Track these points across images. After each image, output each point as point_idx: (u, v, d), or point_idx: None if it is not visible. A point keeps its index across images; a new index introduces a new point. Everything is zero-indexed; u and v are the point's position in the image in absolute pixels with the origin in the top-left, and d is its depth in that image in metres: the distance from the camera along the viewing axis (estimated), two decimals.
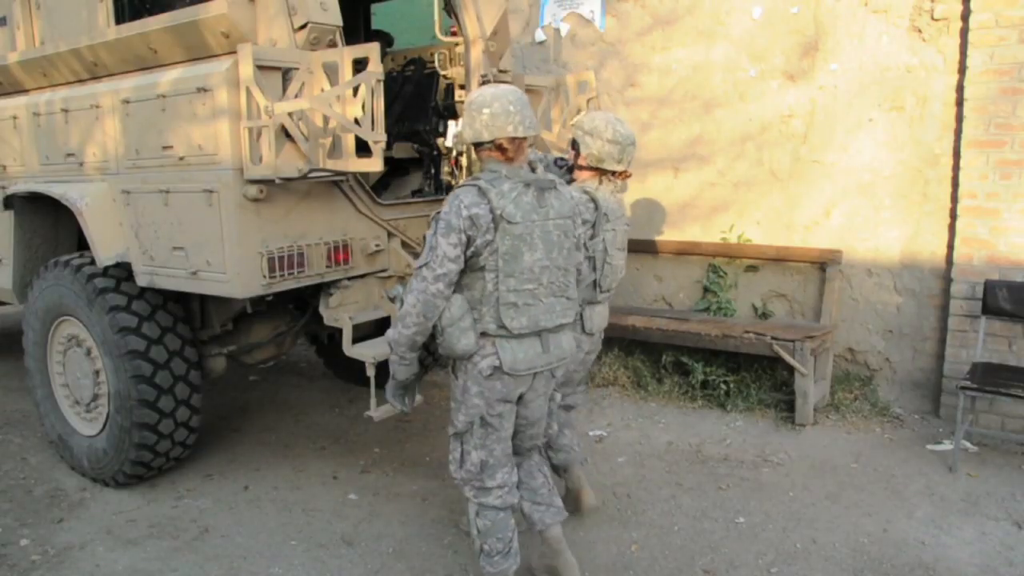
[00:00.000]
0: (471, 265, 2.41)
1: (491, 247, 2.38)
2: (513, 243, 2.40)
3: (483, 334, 2.45)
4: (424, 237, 2.74)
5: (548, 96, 4.36)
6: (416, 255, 3.74)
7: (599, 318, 3.19)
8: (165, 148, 3.16)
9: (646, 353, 5.20)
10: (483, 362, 2.46)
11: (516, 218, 2.40)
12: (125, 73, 3.47)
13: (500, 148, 2.45)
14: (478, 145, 2.51)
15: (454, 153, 3.68)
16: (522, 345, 2.48)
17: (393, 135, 4.22)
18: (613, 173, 3.13)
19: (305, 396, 5.14)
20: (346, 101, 2.89)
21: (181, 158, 3.11)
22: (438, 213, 2.42)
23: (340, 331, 3.45)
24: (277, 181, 2.94)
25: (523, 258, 2.43)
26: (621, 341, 5.24)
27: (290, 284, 3.19)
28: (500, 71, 4.19)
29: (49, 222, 4.06)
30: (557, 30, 5.78)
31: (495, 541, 2.60)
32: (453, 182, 3.78)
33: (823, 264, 4.81)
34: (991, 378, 3.78)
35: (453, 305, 2.42)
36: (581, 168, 3.14)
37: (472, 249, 2.38)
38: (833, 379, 4.77)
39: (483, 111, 2.44)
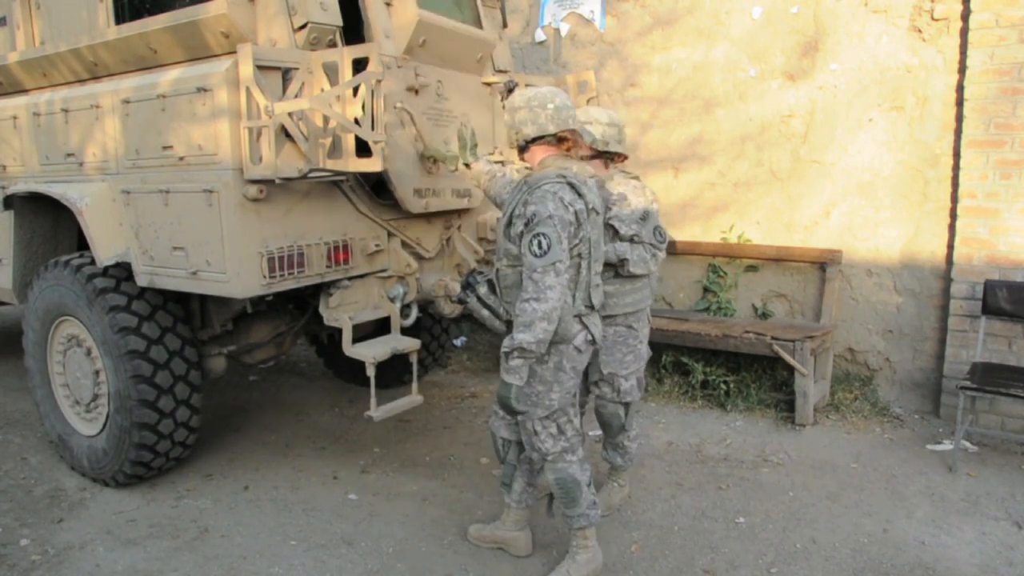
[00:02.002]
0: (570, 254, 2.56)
1: (585, 237, 2.57)
2: (595, 232, 2.65)
3: (576, 316, 2.64)
4: (496, 235, 2.78)
5: None
6: (416, 255, 3.74)
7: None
8: (165, 148, 3.16)
9: None
10: (578, 338, 2.66)
11: (600, 209, 2.66)
12: (125, 73, 3.47)
13: (562, 140, 2.64)
14: (534, 140, 2.65)
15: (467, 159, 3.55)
16: (597, 318, 2.76)
17: None
18: (614, 157, 3.20)
19: (305, 396, 5.14)
20: (346, 101, 2.89)
21: (181, 158, 3.11)
22: (531, 214, 2.48)
23: (340, 331, 3.45)
24: (277, 181, 2.94)
25: (600, 244, 2.70)
26: None
27: (290, 284, 3.19)
28: (499, 71, 4.21)
29: (49, 222, 4.06)
30: (557, 30, 5.79)
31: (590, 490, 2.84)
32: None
33: (823, 264, 4.81)
34: (991, 378, 3.78)
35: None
36: (591, 157, 3.14)
37: (575, 241, 2.54)
38: (833, 379, 4.77)
39: (547, 106, 2.60)
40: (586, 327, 2.67)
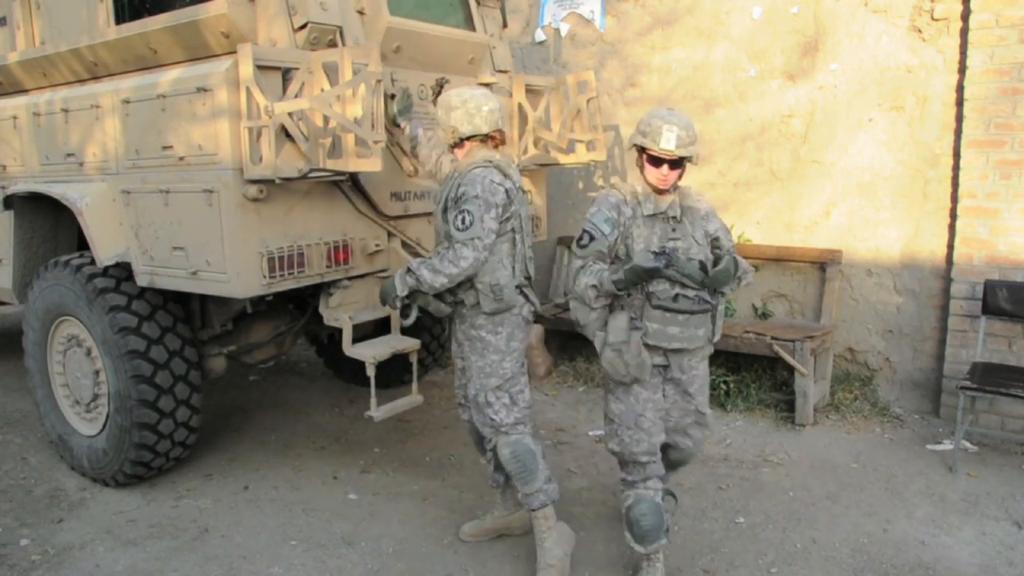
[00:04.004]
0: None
1: (515, 212, 2.84)
2: (524, 208, 2.91)
3: (517, 287, 2.88)
4: (435, 220, 2.94)
5: (548, 96, 4.37)
6: (416, 255, 3.74)
7: None
8: (165, 148, 3.16)
9: None
10: (524, 309, 2.92)
11: (525, 189, 2.96)
12: (125, 73, 3.47)
13: (490, 138, 2.87)
14: (469, 138, 2.85)
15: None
16: (533, 292, 3.00)
17: None
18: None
19: (305, 396, 5.14)
20: (346, 101, 2.89)
21: (181, 158, 3.11)
22: (460, 194, 2.72)
23: (340, 331, 3.45)
24: (277, 181, 2.94)
25: (529, 220, 2.96)
26: None
27: (290, 284, 3.19)
28: (499, 71, 4.21)
29: (49, 222, 4.06)
30: (557, 30, 5.78)
31: None
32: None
33: (823, 264, 4.81)
34: (991, 378, 3.78)
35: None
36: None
37: (506, 215, 2.79)
38: (833, 379, 4.77)
39: (483, 108, 2.83)
40: (527, 298, 2.91)
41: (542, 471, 2.88)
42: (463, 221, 2.68)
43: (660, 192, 2.72)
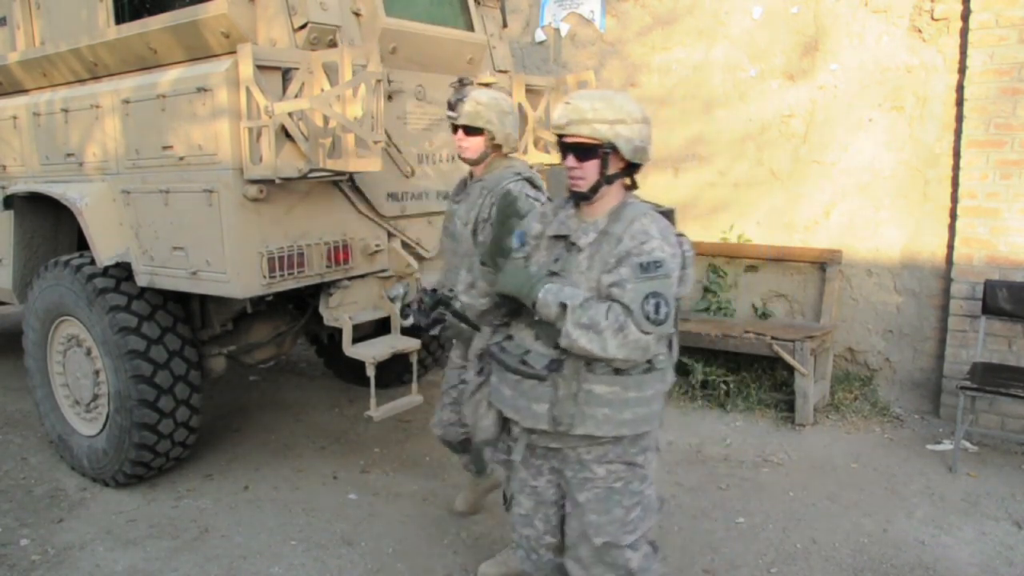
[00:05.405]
0: None
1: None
2: None
3: None
4: (456, 241, 2.70)
5: (548, 96, 4.37)
6: (416, 255, 3.74)
7: None
8: (165, 148, 3.16)
9: None
10: None
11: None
12: (125, 73, 3.47)
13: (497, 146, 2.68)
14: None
15: None
16: None
17: None
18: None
19: (305, 396, 5.13)
20: (346, 101, 2.89)
21: (181, 158, 3.11)
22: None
23: (340, 331, 3.45)
24: (277, 181, 2.94)
25: None
26: None
27: (290, 284, 3.19)
28: (499, 71, 4.21)
29: (49, 222, 4.06)
30: (557, 30, 5.78)
31: None
32: None
33: (823, 264, 4.80)
34: (991, 378, 3.78)
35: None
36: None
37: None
38: (833, 379, 4.77)
39: (512, 112, 2.64)
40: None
41: None
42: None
43: (578, 200, 2.00)
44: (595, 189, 1.96)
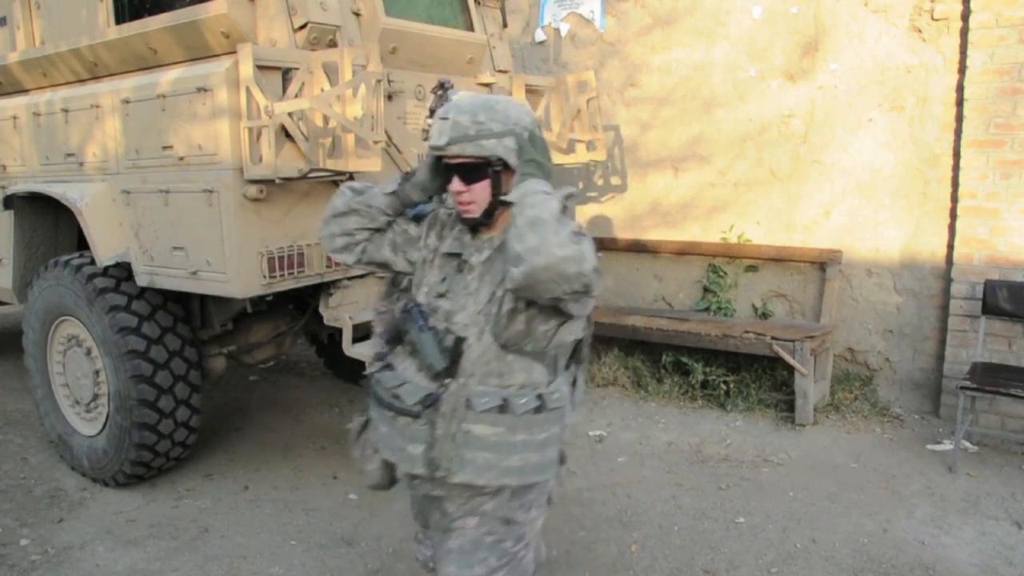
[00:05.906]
0: None
1: None
2: None
3: None
4: None
5: (548, 96, 4.37)
6: None
7: None
8: (165, 148, 3.16)
9: (646, 353, 5.20)
10: None
11: None
12: (125, 73, 3.47)
13: None
14: None
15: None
16: None
17: None
18: None
19: (305, 396, 5.13)
20: (346, 101, 2.89)
21: (181, 158, 3.11)
22: None
23: (340, 331, 3.45)
24: (277, 181, 2.94)
25: None
26: (621, 341, 5.23)
27: (290, 284, 3.19)
28: (499, 71, 4.21)
29: (49, 222, 4.06)
30: (557, 30, 5.79)
31: None
32: None
33: (823, 264, 4.81)
34: (991, 378, 3.78)
35: None
36: None
37: None
38: (833, 379, 4.77)
39: None
40: None
41: None
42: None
43: (472, 227, 1.78)
44: (489, 213, 1.73)
